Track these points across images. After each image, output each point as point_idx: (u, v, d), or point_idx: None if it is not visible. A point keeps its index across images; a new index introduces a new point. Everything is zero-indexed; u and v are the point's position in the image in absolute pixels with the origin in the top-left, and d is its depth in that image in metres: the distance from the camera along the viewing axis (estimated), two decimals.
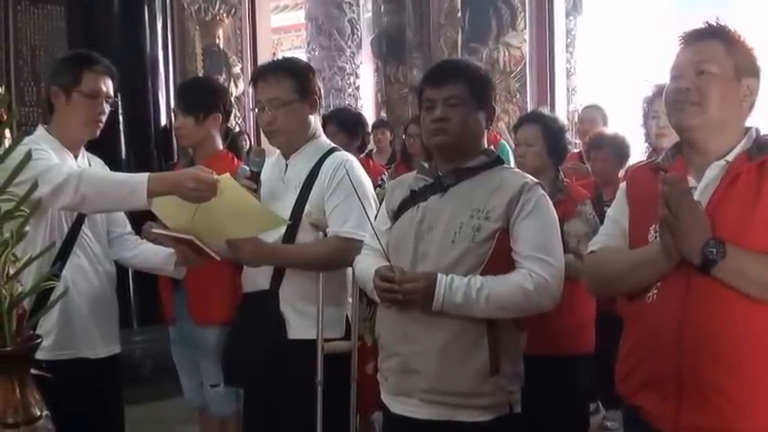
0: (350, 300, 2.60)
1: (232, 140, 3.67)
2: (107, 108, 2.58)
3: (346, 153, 2.65)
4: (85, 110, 2.53)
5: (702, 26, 1.80)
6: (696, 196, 1.71)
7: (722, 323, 1.65)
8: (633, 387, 1.82)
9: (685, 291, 1.69)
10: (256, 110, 2.60)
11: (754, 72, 1.78)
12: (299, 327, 2.48)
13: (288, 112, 2.51)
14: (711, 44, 1.77)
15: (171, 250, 2.63)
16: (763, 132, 1.80)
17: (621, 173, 3.79)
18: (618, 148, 3.99)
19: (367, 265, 2.21)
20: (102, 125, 2.59)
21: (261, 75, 2.57)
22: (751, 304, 1.63)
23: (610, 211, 2.00)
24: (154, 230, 2.63)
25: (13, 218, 1.20)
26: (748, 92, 1.76)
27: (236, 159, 3.08)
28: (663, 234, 1.68)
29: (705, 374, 1.66)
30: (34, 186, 1.22)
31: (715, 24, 1.79)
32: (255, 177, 2.50)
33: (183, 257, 2.60)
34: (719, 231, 1.65)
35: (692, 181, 1.76)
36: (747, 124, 1.82)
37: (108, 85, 2.58)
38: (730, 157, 1.75)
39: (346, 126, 4.37)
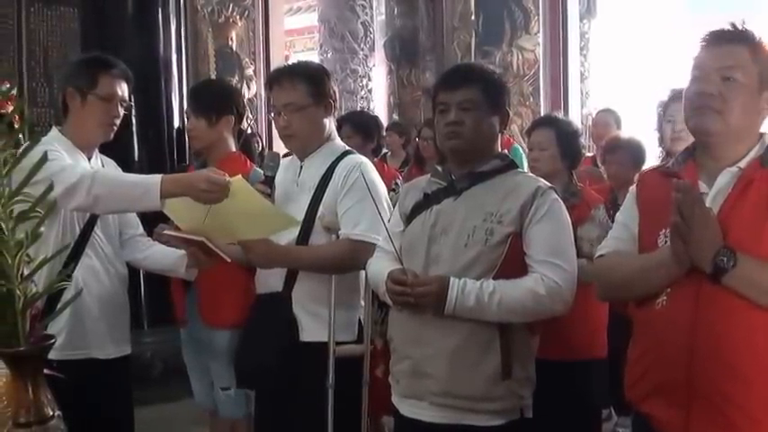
0: (362, 303, 2.59)
1: (245, 142, 3.67)
2: (121, 111, 2.59)
3: (360, 156, 2.65)
4: (100, 112, 2.54)
5: (728, 28, 1.74)
6: (707, 202, 1.69)
7: (736, 332, 1.63)
8: (642, 394, 1.80)
9: (695, 298, 1.67)
10: (272, 114, 2.60)
11: None
12: (312, 329, 2.48)
13: (303, 116, 2.51)
14: (738, 49, 1.71)
15: (182, 252, 2.64)
16: None
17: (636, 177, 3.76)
18: (633, 152, 3.96)
19: (379, 267, 2.20)
20: (116, 128, 2.60)
21: (276, 79, 2.58)
22: (765, 314, 1.61)
23: (619, 216, 1.98)
24: (165, 232, 2.64)
25: (28, 218, 1.20)
26: (766, 105, 1.74)
27: (248, 161, 3.09)
28: (674, 241, 1.66)
29: (717, 384, 1.64)
30: (50, 188, 1.23)
31: (740, 28, 1.74)
32: (269, 182, 2.50)
33: (194, 259, 2.60)
34: (731, 239, 1.63)
35: (702, 186, 1.75)
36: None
37: (123, 89, 2.59)
38: (743, 164, 1.72)
39: (361, 129, 4.37)
